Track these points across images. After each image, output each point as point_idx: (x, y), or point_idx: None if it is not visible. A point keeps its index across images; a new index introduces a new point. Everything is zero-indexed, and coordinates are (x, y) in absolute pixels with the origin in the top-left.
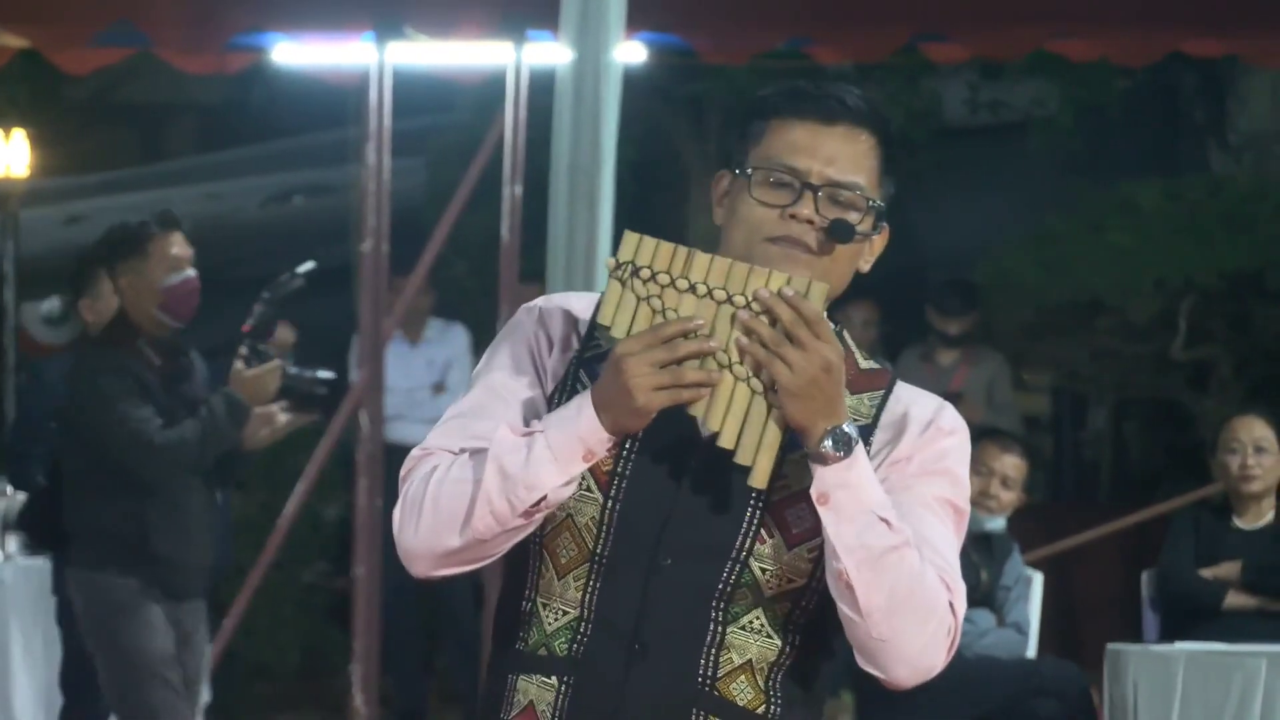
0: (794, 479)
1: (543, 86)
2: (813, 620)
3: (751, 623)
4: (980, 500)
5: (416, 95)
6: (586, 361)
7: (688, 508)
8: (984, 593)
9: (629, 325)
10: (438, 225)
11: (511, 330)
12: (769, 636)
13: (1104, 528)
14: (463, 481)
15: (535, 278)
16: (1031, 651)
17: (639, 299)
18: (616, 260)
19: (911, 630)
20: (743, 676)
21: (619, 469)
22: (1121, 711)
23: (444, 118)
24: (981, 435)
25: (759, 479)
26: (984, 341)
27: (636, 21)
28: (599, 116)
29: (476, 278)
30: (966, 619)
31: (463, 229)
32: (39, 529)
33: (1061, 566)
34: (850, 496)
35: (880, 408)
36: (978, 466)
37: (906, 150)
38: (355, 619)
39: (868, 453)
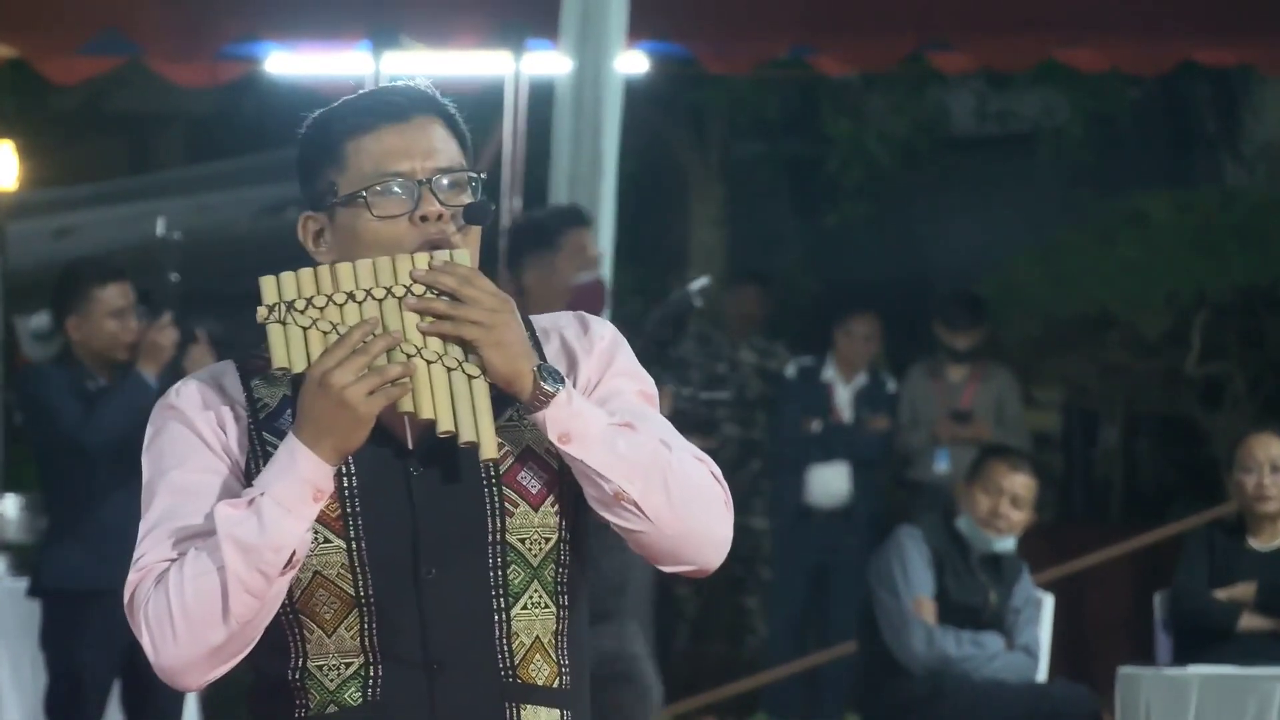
0: (511, 443)
1: (542, 97)
2: (571, 575)
3: (530, 598)
4: (989, 520)
5: None
6: (264, 423)
7: (429, 515)
8: (993, 614)
9: (305, 355)
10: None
11: (162, 432)
12: (546, 607)
13: (1115, 548)
14: (203, 575)
15: None
16: (1042, 675)
17: (304, 329)
18: (266, 307)
19: (699, 512)
20: (537, 656)
21: (347, 509)
22: None
23: None
24: (990, 453)
25: (489, 449)
26: (993, 357)
27: (637, 30)
28: (599, 127)
29: None
30: (976, 642)
31: None
32: None
33: (1072, 588)
34: (586, 422)
35: (537, 346)
36: (986, 485)
37: (912, 161)
38: None
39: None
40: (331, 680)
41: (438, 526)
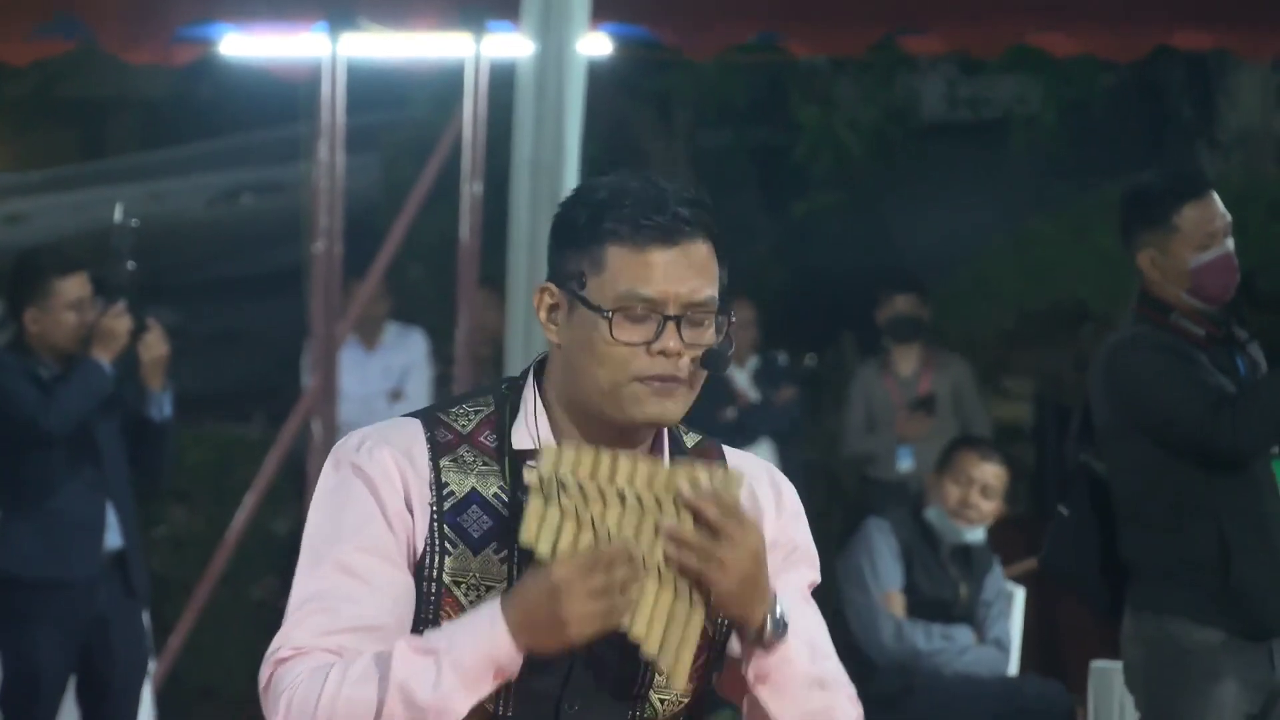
0: None
1: (503, 80)
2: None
3: (675, 693)
4: (959, 510)
5: (371, 89)
6: (448, 514)
7: (585, 657)
8: (963, 608)
9: (554, 542)
10: (393, 225)
11: (343, 491)
12: (678, 703)
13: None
14: (361, 702)
15: (495, 281)
16: (1013, 669)
17: (563, 513)
18: (540, 476)
19: None
20: None
21: None
22: None
23: (400, 113)
24: (960, 443)
25: (680, 681)
26: (944, 346)
27: (602, 12)
28: (562, 112)
29: (434, 281)
30: (946, 636)
31: (419, 229)
32: None
33: (1044, 581)
34: (790, 671)
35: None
36: (956, 475)
37: (882, 149)
38: None
39: None
40: None
41: (590, 669)
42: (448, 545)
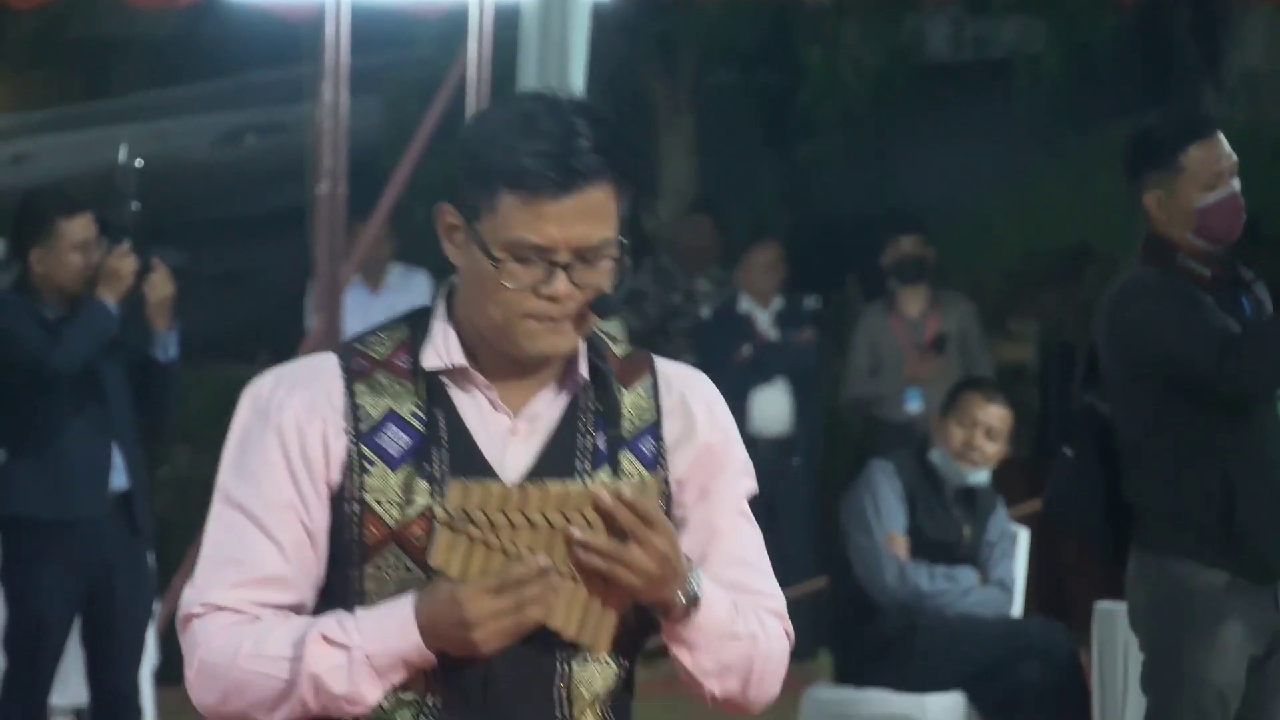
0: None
1: (507, 21)
2: (634, 639)
3: (595, 654)
4: (963, 452)
5: (375, 29)
6: (365, 436)
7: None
8: (967, 549)
9: (463, 565)
10: (398, 167)
11: (251, 438)
12: (607, 664)
13: None
14: (274, 678)
15: None
16: (1017, 610)
17: (473, 540)
18: (448, 512)
19: (767, 692)
20: (588, 712)
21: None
22: (1111, 674)
23: (404, 53)
24: (965, 385)
25: (603, 648)
26: (953, 287)
27: None
28: (566, 54)
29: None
30: (949, 576)
31: (424, 171)
32: None
33: (1048, 523)
34: (704, 634)
35: (656, 395)
36: (960, 417)
37: (887, 91)
38: None
39: (662, 446)
40: (388, 701)
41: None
42: (366, 464)
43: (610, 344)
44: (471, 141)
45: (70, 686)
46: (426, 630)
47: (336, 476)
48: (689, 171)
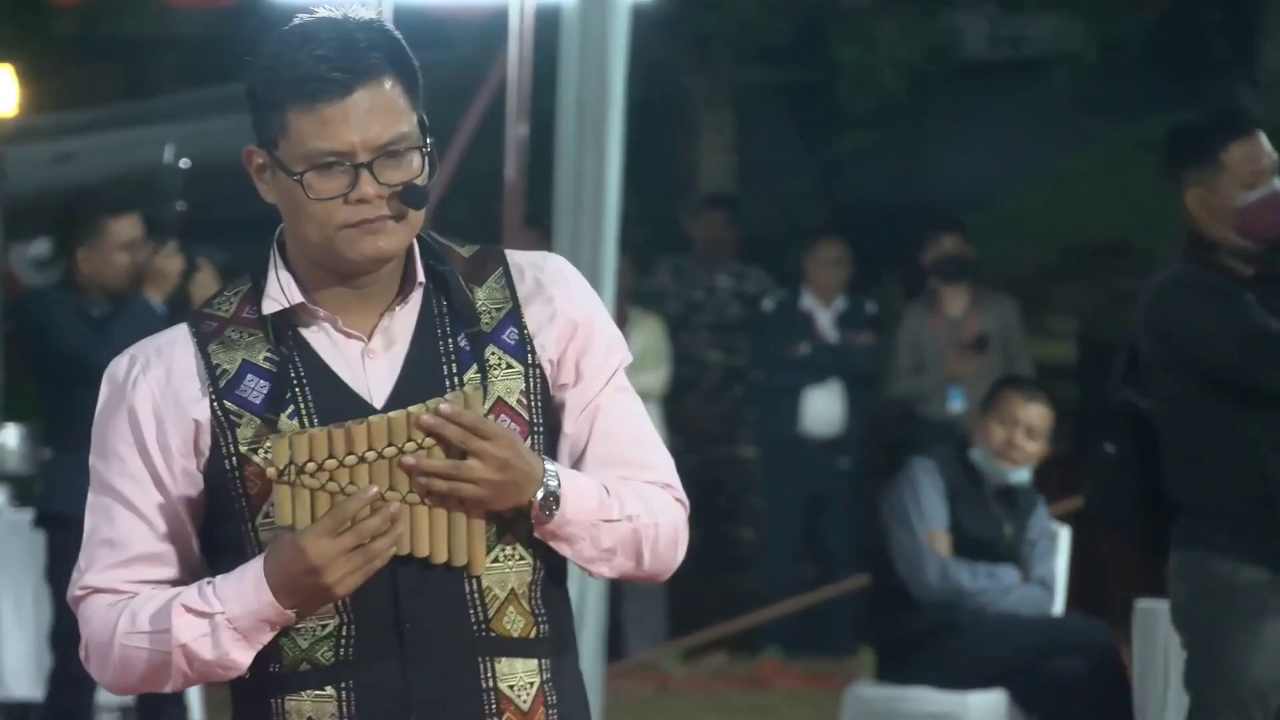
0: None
1: (548, 21)
2: (529, 529)
3: (503, 550)
4: (1004, 451)
5: (415, 30)
6: (225, 391)
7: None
8: (1007, 547)
9: (310, 515)
10: (438, 166)
11: (112, 420)
12: (521, 558)
13: None
14: (148, 651)
15: (540, 220)
16: (1057, 609)
17: (312, 491)
18: (277, 469)
19: (665, 563)
20: (510, 608)
21: None
22: (1151, 672)
23: (444, 54)
24: (1005, 384)
25: (477, 569)
26: (990, 284)
27: None
28: (606, 53)
29: (480, 221)
30: (991, 574)
31: (465, 169)
32: None
33: (1088, 520)
34: (576, 526)
35: (510, 284)
36: (1000, 416)
37: (922, 87)
38: None
39: (526, 333)
40: (305, 639)
41: (414, 564)
42: (233, 418)
43: (454, 247)
44: (255, 73)
45: None
46: (280, 586)
47: (206, 440)
48: (726, 166)
